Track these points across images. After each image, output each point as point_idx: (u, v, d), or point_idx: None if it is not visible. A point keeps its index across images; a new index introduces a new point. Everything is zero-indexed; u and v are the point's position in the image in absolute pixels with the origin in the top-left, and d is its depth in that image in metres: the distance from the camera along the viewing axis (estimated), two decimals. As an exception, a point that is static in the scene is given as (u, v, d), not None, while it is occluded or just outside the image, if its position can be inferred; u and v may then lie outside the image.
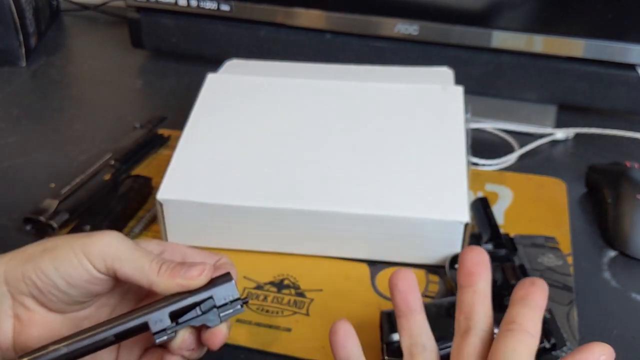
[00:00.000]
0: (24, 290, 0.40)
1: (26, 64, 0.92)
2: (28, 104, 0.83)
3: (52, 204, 0.60)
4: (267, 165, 0.58)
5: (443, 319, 0.46)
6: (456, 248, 0.54)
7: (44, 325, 0.41)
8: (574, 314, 0.51)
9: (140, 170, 0.68)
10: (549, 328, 0.45)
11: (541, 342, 0.44)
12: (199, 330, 0.41)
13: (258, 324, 0.50)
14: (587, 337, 0.49)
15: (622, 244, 0.58)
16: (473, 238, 0.57)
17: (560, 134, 0.75)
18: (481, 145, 0.72)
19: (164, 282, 0.40)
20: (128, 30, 0.91)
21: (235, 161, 0.58)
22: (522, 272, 0.52)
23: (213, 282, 0.40)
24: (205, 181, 0.57)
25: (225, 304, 0.40)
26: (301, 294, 0.53)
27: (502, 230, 0.57)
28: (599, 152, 0.73)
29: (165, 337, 0.39)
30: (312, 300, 0.53)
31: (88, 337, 0.39)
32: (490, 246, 0.55)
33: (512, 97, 0.80)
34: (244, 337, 0.49)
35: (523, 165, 0.70)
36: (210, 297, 0.40)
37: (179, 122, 0.64)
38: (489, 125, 0.76)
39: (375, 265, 0.56)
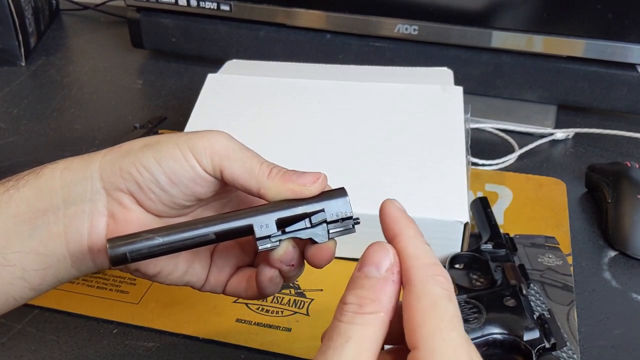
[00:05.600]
0: (121, 185, 0.38)
1: (26, 63, 0.92)
2: (28, 104, 0.83)
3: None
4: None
5: (443, 319, 0.46)
6: (456, 248, 0.54)
7: (140, 226, 0.38)
8: (574, 314, 0.51)
9: (140, 170, 0.68)
10: (549, 328, 0.45)
11: (541, 342, 0.44)
12: (302, 246, 0.38)
13: (258, 324, 0.50)
14: (587, 337, 0.49)
15: (622, 244, 0.57)
16: (473, 238, 0.57)
17: (560, 134, 0.75)
18: (481, 145, 0.72)
19: (275, 186, 0.37)
20: (128, 30, 0.91)
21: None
22: (522, 272, 0.52)
23: (326, 195, 0.37)
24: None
25: (336, 221, 0.37)
26: (301, 294, 0.53)
27: (502, 230, 0.57)
28: (599, 152, 0.73)
29: (268, 245, 0.36)
30: (312, 300, 0.53)
31: (187, 230, 0.36)
32: (490, 246, 0.55)
33: (512, 97, 0.80)
34: (244, 337, 0.49)
35: (523, 165, 0.70)
36: (322, 210, 0.37)
37: (179, 122, 0.64)
38: (488, 125, 0.76)
39: (375, 265, 0.56)
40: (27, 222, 0.37)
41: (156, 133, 0.72)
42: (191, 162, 0.37)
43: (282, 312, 0.51)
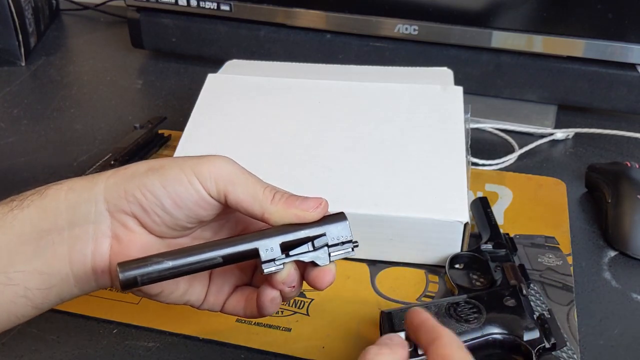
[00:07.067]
0: (125, 208, 0.38)
1: (26, 63, 0.92)
2: (28, 104, 0.83)
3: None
4: (266, 165, 0.58)
5: (443, 319, 0.46)
6: (456, 248, 0.54)
7: (143, 247, 0.39)
8: (574, 314, 0.51)
9: (140, 170, 0.68)
10: (549, 328, 0.45)
11: (541, 342, 0.44)
12: (302, 268, 0.40)
13: (258, 324, 0.50)
14: (587, 337, 0.49)
15: (622, 244, 0.57)
16: (473, 238, 0.57)
17: (560, 134, 0.75)
18: (481, 145, 0.72)
19: (279, 210, 0.38)
20: (128, 30, 0.91)
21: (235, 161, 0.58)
22: (522, 272, 0.52)
23: (327, 219, 0.39)
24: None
25: (337, 244, 0.39)
26: (301, 294, 0.53)
27: (502, 230, 0.57)
28: (599, 152, 0.73)
29: (273, 268, 0.38)
30: (312, 300, 0.53)
31: (195, 254, 0.37)
32: (490, 246, 0.55)
33: (512, 97, 0.80)
34: (244, 337, 0.49)
35: (523, 165, 0.70)
36: (324, 234, 0.38)
37: (179, 122, 0.64)
38: (488, 125, 0.76)
39: (375, 265, 0.56)
40: (31, 242, 0.38)
41: (156, 133, 0.72)
42: (196, 186, 0.38)
43: (282, 312, 0.51)
